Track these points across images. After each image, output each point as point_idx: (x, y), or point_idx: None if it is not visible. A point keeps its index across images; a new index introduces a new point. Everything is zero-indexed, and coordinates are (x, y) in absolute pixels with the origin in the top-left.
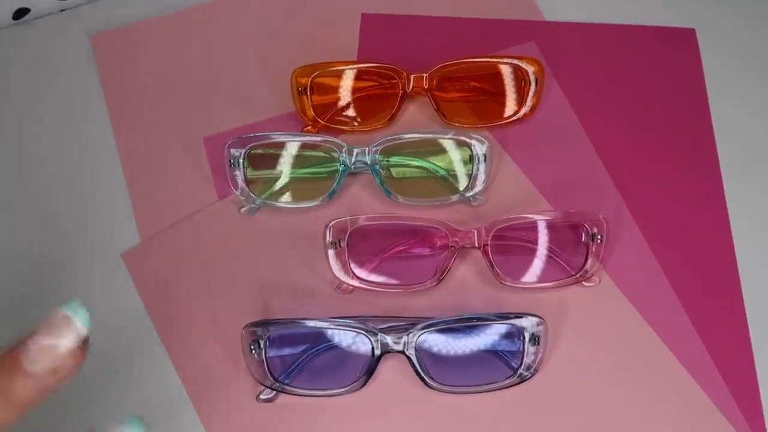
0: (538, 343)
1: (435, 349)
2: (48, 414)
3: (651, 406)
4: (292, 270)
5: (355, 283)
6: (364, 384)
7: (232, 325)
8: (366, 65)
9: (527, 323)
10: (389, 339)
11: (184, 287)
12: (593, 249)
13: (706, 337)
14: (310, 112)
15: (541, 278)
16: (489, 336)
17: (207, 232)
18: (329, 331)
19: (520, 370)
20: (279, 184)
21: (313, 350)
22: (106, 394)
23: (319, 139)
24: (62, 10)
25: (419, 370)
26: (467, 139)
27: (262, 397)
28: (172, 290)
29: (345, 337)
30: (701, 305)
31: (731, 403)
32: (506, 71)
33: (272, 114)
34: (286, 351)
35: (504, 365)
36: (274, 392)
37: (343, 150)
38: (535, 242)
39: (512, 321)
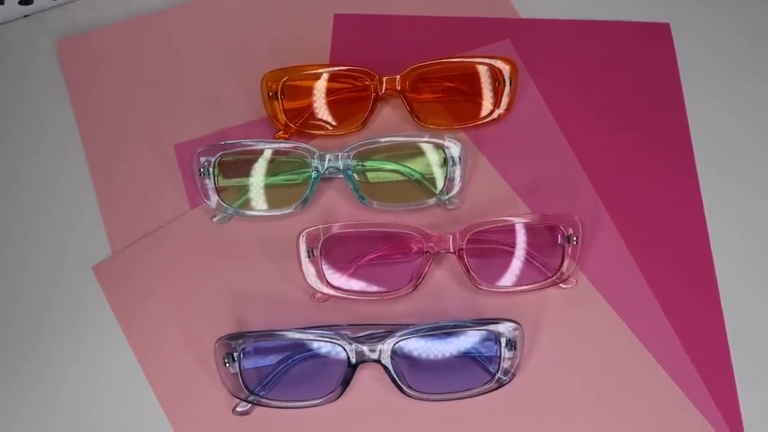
0: (515, 348)
1: (411, 357)
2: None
3: (630, 406)
4: (266, 279)
5: (330, 291)
6: (341, 394)
7: (207, 337)
8: (337, 68)
9: (503, 328)
10: (364, 348)
11: (157, 299)
12: (569, 251)
13: (683, 337)
14: (282, 117)
15: (518, 282)
16: (465, 342)
17: (179, 243)
18: (304, 342)
19: (498, 375)
20: (251, 191)
21: (288, 361)
22: (78, 409)
23: (290, 145)
24: (26, 16)
25: (396, 378)
26: (441, 142)
27: (238, 409)
28: (145, 303)
29: (320, 347)
30: (678, 304)
31: (709, 402)
32: (480, 71)
33: (244, 119)
34: (261, 363)
35: (481, 371)
36: (250, 405)
37: (315, 156)
38: (510, 245)
39: (488, 327)
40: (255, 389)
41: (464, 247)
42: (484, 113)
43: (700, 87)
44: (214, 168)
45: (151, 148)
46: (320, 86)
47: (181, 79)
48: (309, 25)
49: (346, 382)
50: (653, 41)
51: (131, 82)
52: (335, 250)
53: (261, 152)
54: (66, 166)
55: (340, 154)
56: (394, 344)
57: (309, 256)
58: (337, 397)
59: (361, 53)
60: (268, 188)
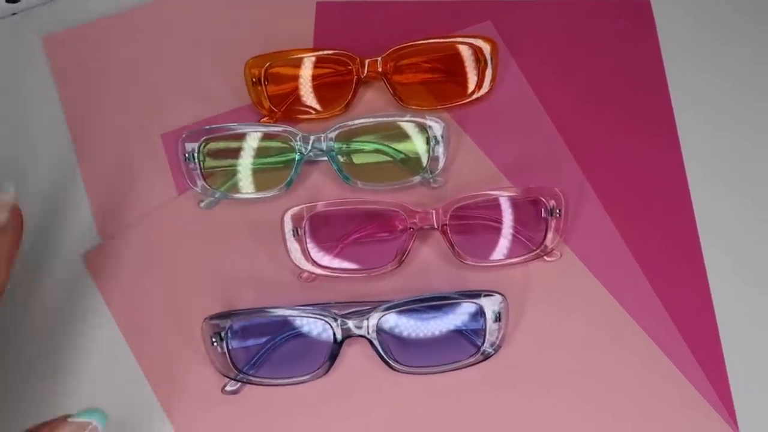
0: (500, 320)
1: (397, 331)
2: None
3: (617, 377)
4: (254, 261)
5: (317, 270)
6: (328, 370)
7: (196, 320)
8: (319, 53)
9: (488, 301)
10: (350, 323)
11: (147, 285)
12: (553, 223)
13: (669, 307)
14: (266, 103)
15: (502, 255)
16: (450, 315)
17: (167, 229)
18: (291, 319)
19: (484, 347)
20: (237, 175)
21: (276, 339)
22: (70, 391)
23: (273, 128)
24: (14, 14)
25: (382, 353)
26: (423, 121)
27: (227, 388)
28: (135, 289)
29: (307, 324)
30: (664, 274)
31: (697, 370)
32: (461, 51)
33: (230, 107)
34: (249, 341)
35: (467, 343)
36: (239, 383)
37: (298, 138)
38: (494, 220)
39: (473, 299)
40: (243, 368)
41: (448, 222)
42: (466, 93)
43: (680, 60)
44: (199, 153)
45: (138, 138)
46: (303, 71)
47: (167, 70)
48: (292, 13)
49: (333, 358)
50: (633, 17)
51: (117, 74)
52: (320, 229)
53: (245, 136)
54: (54, 157)
55: (323, 135)
56: (380, 318)
57: (294, 236)
58: (325, 373)
59: (344, 39)
60: (254, 172)
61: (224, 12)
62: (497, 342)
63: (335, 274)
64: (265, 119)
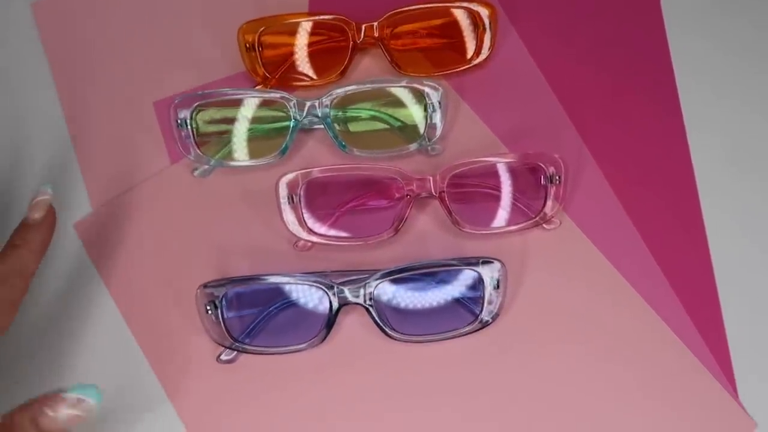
0: (498, 288)
1: (394, 300)
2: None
3: (616, 344)
4: (249, 230)
5: (313, 238)
6: (325, 338)
7: (190, 289)
8: (314, 18)
9: (486, 268)
10: (347, 291)
11: (139, 254)
12: (552, 191)
13: (669, 274)
14: (260, 70)
15: (501, 223)
16: (448, 283)
17: (160, 198)
18: (286, 287)
19: (482, 316)
20: (231, 143)
21: (272, 307)
22: (63, 363)
23: (267, 94)
24: None
25: (378, 321)
26: (420, 87)
27: (222, 357)
28: (127, 258)
29: (302, 292)
30: (664, 242)
31: (697, 338)
32: (459, 16)
33: (224, 74)
34: (244, 310)
35: (465, 311)
36: (235, 353)
37: (293, 104)
38: (492, 187)
39: (471, 266)
40: (239, 336)
41: (446, 189)
42: (464, 59)
43: (683, 27)
44: (191, 120)
45: (130, 106)
46: (298, 36)
47: (159, 37)
48: None
49: (329, 326)
50: None
51: (108, 41)
52: (316, 196)
53: (239, 102)
54: (45, 127)
55: (318, 101)
56: (376, 286)
57: (289, 203)
58: (321, 342)
59: (340, 2)
60: (248, 139)
61: None
62: (495, 310)
63: (331, 242)
64: (259, 86)
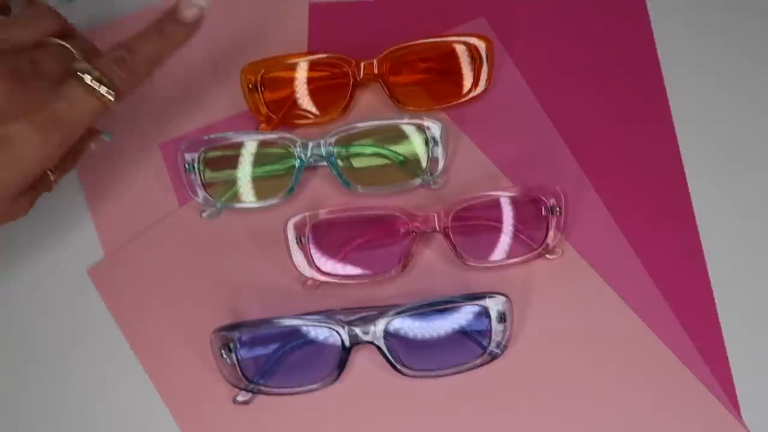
0: (505, 320)
1: (404, 336)
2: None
3: (622, 370)
4: (258, 270)
5: (321, 277)
6: (338, 377)
7: (204, 331)
8: (314, 56)
9: (492, 302)
10: (357, 330)
11: (153, 298)
12: (553, 222)
13: (671, 299)
14: (264, 109)
15: (505, 255)
16: (456, 318)
17: (170, 241)
18: (298, 328)
19: (490, 348)
20: (237, 185)
21: (285, 348)
22: (82, 409)
23: (272, 136)
24: None
25: (390, 358)
26: (421, 122)
27: (238, 399)
28: (141, 302)
29: (314, 333)
30: (665, 267)
31: (700, 362)
32: (457, 50)
33: (227, 113)
34: (258, 351)
35: (474, 345)
36: (250, 394)
37: (297, 145)
38: (495, 220)
39: (477, 301)
40: (253, 378)
41: (449, 224)
42: (463, 92)
43: (675, 52)
44: (198, 163)
45: (137, 149)
46: (299, 75)
47: (162, 79)
48: (285, 16)
49: (342, 366)
50: (627, 9)
51: None
52: (323, 236)
53: (244, 145)
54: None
55: (321, 141)
56: (386, 324)
57: (298, 244)
58: (334, 381)
59: (339, 40)
60: (254, 180)
61: (217, 18)
62: (503, 342)
63: (339, 281)
64: (262, 125)
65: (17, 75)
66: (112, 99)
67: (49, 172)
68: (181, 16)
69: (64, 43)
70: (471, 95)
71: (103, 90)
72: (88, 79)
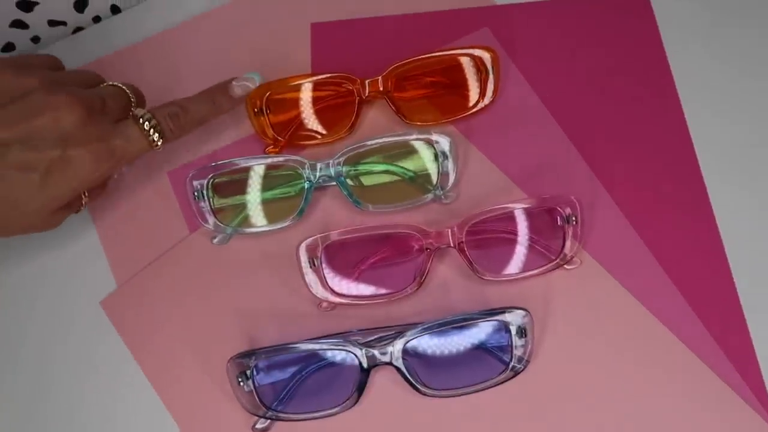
0: (526, 335)
1: (423, 355)
2: None
3: (648, 378)
4: (272, 294)
5: (336, 299)
6: (357, 400)
7: (220, 358)
8: (318, 77)
9: (512, 317)
10: (375, 352)
11: (167, 326)
12: (570, 231)
13: (694, 303)
14: (270, 132)
15: (522, 268)
16: (475, 334)
17: (182, 268)
18: (315, 352)
19: (512, 364)
20: (247, 209)
21: (302, 373)
22: None
23: (280, 158)
24: None
25: (409, 378)
26: (429, 137)
27: (257, 427)
28: (155, 331)
29: (331, 356)
30: (685, 269)
31: (728, 365)
32: (461, 62)
33: (234, 138)
34: (275, 378)
35: (495, 361)
36: (269, 421)
37: (306, 166)
38: (510, 232)
39: (496, 317)
40: (272, 405)
41: (464, 239)
42: (470, 104)
43: (682, 48)
44: (207, 190)
45: (145, 178)
46: (304, 97)
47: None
48: (287, 38)
49: (361, 388)
50: (632, 11)
51: None
52: (336, 257)
53: (252, 169)
54: None
55: (330, 161)
56: (404, 345)
57: (311, 266)
58: (354, 404)
59: (342, 59)
60: (264, 204)
61: (220, 43)
62: (525, 357)
63: (355, 302)
64: (269, 148)
65: (90, 108)
66: (159, 145)
67: (83, 195)
68: (232, 92)
69: (123, 86)
70: (478, 107)
71: (155, 136)
72: (146, 125)
